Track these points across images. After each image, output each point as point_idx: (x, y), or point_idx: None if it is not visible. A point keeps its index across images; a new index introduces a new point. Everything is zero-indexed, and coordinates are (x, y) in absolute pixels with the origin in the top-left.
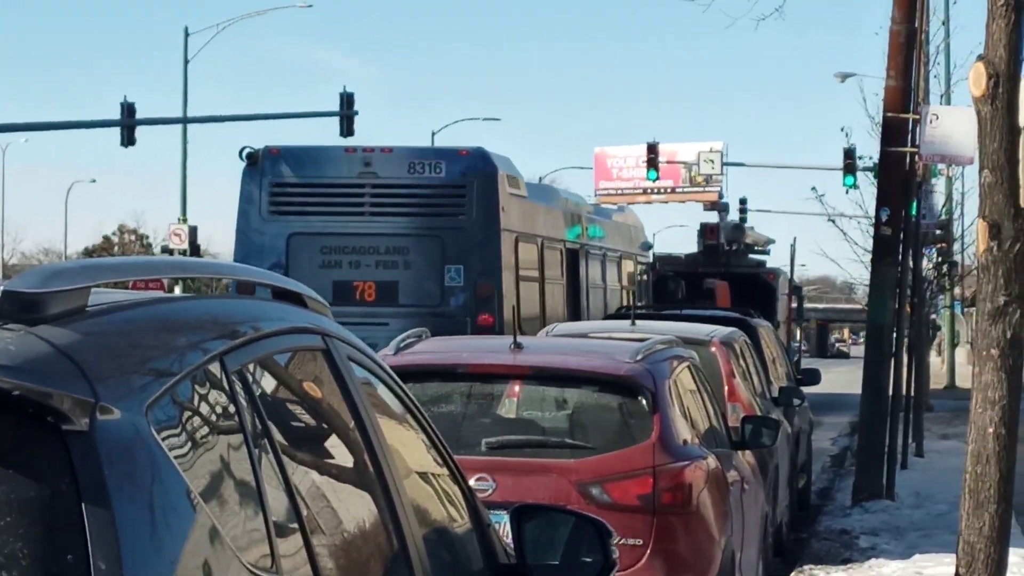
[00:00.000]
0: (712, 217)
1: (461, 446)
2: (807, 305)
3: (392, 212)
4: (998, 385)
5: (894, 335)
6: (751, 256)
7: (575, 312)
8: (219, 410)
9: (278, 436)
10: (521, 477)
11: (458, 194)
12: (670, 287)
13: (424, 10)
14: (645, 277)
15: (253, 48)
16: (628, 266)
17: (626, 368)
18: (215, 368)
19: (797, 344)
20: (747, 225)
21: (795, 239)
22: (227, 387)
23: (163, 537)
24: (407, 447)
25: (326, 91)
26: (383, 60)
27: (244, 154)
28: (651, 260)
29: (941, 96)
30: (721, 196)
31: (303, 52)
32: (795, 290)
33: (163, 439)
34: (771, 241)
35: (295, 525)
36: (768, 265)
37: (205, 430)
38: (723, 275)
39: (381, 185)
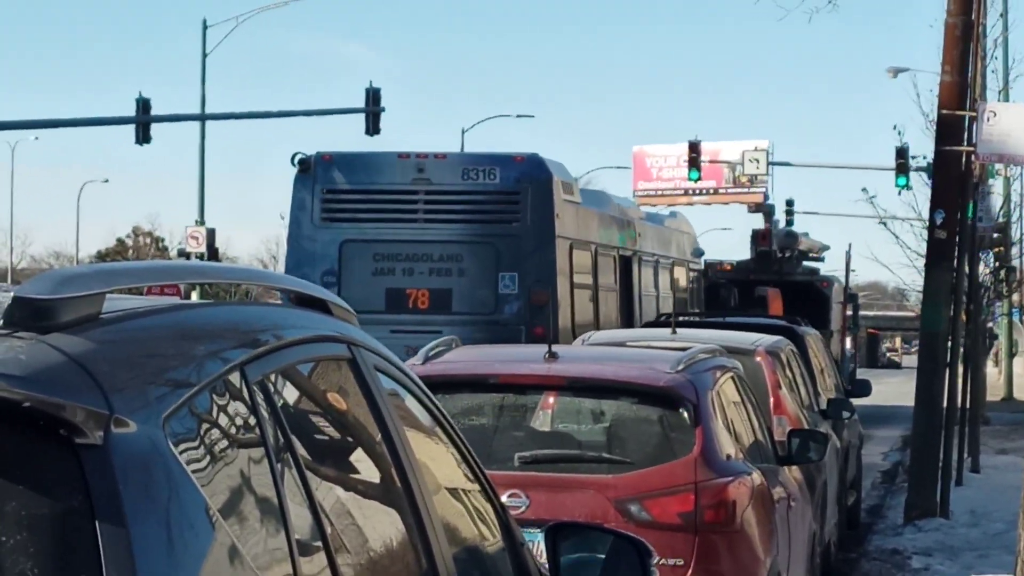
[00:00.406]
0: (757, 220)
1: (493, 461)
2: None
3: (446, 219)
4: None
5: (949, 344)
6: (805, 263)
7: (628, 320)
8: (239, 422)
9: (301, 450)
10: (556, 493)
11: (512, 200)
12: (722, 294)
13: (448, 1)
14: (697, 285)
15: (273, 42)
16: (680, 273)
17: (667, 379)
18: (235, 378)
19: (851, 353)
20: (801, 232)
21: (850, 245)
22: (248, 398)
23: (180, 556)
24: (436, 461)
25: (347, 86)
26: (405, 54)
27: (296, 160)
28: (703, 267)
29: (999, 92)
30: (767, 197)
31: (325, 46)
32: (850, 298)
33: (181, 453)
34: (825, 248)
35: (319, 543)
36: (821, 271)
37: (225, 443)
38: (776, 282)
39: (435, 191)
